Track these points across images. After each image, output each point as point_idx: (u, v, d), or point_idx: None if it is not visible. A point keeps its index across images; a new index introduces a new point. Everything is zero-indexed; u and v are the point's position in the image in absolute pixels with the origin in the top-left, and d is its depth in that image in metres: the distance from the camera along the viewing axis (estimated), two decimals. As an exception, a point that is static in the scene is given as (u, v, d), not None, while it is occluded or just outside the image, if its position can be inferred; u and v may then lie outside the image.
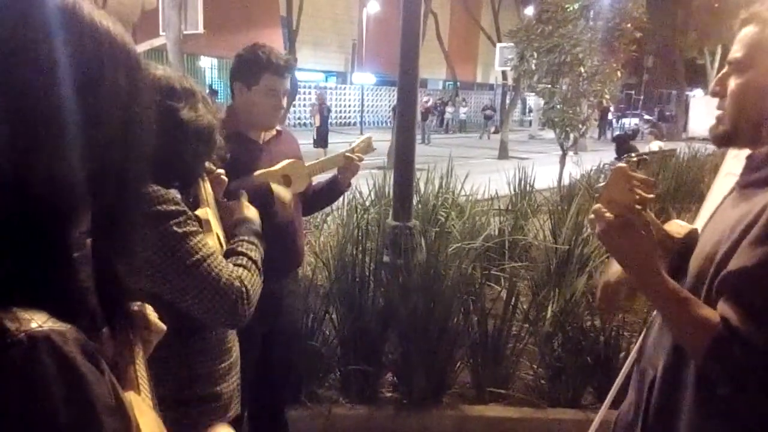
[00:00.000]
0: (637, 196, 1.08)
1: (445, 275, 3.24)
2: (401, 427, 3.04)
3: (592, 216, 1.15)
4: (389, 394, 3.19)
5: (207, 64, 23.15)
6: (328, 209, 4.63)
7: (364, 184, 5.10)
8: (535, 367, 3.28)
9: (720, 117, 1.20)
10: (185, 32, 10.76)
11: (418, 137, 21.66)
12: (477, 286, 3.37)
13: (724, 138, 1.21)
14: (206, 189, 1.60)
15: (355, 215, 4.45)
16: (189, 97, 1.36)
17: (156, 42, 10.07)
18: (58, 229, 0.64)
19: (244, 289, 1.34)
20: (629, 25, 7.72)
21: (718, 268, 1.08)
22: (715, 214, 1.25)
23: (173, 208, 1.30)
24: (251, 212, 1.60)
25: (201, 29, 11.02)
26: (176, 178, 1.39)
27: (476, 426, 3.08)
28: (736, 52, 1.16)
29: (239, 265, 1.39)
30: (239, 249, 1.44)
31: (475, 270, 3.60)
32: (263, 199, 2.01)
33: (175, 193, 1.35)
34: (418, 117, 22.67)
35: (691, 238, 1.28)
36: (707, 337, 1.03)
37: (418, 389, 3.09)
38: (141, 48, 9.73)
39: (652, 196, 1.10)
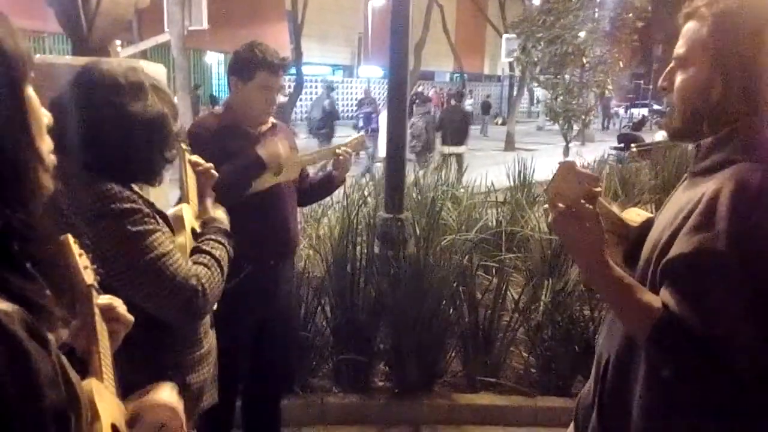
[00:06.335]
0: (584, 191, 1.13)
1: (436, 266, 3.28)
2: (393, 416, 3.09)
3: (545, 206, 1.20)
4: (381, 384, 3.25)
5: (213, 60, 23.16)
6: (329, 202, 4.69)
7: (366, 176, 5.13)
8: (526, 356, 3.33)
9: (670, 112, 1.23)
10: (189, 28, 10.82)
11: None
12: (469, 277, 3.41)
13: (676, 133, 1.24)
14: (189, 184, 1.62)
15: (347, 208, 4.48)
16: (136, 90, 1.35)
17: (160, 39, 10.12)
18: None
19: (200, 287, 1.37)
20: (630, 15, 7.68)
21: (660, 254, 1.12)
22: (667, 203, 1.28)
23: (128, 206, 1.32)
24: (218, 212, 1.63)
25: (205, 25, 11.06)
26: (138, 173, 1.42)
27: (467, 414, 3.13)
28: (679, 47, 1.18)
29: (199, 263, 1.42)
30: (203, 247, 1.48)
31: (469, 261, 3.63)
32: (255, 167, 2.18)
33: (130, 193, 1.35)
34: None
35: (647, 225, 1.31)
36: (649, 322, 1.07)
37: (410, 378, 3.14)
38: (146, 45, 9.79)
39: (598, 189, 1.14)
